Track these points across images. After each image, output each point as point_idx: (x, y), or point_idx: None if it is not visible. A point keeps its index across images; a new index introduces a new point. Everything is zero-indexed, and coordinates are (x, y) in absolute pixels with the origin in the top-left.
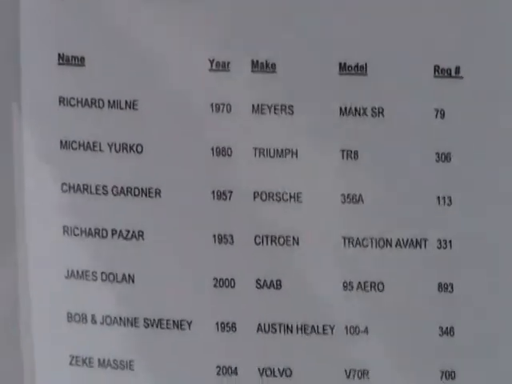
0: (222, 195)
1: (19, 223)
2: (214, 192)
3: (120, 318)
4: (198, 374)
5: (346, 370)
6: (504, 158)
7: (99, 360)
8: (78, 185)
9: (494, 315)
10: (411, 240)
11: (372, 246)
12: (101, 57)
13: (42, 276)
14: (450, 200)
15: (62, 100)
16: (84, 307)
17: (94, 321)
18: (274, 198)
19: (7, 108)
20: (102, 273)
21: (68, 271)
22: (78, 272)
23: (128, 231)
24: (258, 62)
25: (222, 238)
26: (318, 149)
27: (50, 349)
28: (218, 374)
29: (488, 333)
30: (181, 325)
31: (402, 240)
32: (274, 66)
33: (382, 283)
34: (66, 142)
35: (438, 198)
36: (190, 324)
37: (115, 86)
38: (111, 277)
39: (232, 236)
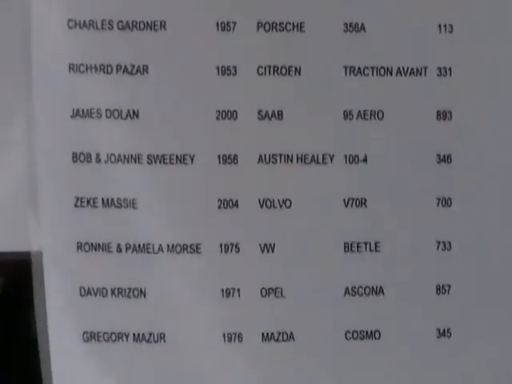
0: (226, 26)
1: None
2: (217, 24)
3: (124, 156)
4: (200, 207)
5: (344, 200)
6: None
7: (103, 200)
8: (85, 21)
9: (493, 143)
10: (411, 68)
11: (373, 74)
12: None
13: (48, 117)
14: (452, 28)
15: None
16: (89, 146)
17: (98, 159)
18: (278, 28)
19: None
20: (107, 110)
21: (73, 110)
22: (83, 111)
23: (133, 66)
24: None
25: (225, 70)
26: None
27: (54, 188)
28: (219, 207)
29: (485, 162)
30: (183, 159)
31: (403, 68)
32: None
33: (382, 112)
34: None
35: (440, 26)
36: (192, 158)
37: None
38: (116, 113)
39: (235, 67)
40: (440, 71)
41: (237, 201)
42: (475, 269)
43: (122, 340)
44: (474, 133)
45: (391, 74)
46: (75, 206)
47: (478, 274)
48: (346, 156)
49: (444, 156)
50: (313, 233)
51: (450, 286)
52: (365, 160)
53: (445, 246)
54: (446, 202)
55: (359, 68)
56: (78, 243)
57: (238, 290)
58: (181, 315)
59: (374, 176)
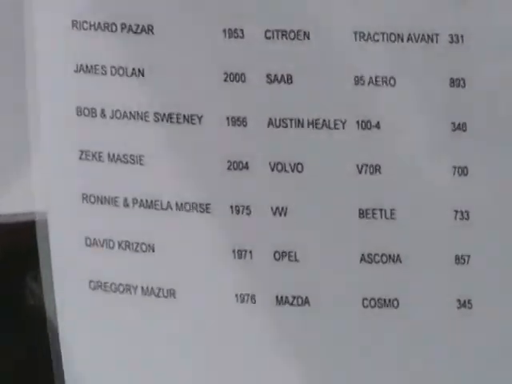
0: None
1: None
2: None
3: (130, 113)
4: (208, 168)
5: (357, 165)
6: None
7: (109, 154)
8: None
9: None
10: (423, 35)
11: (383, 40)
12: None
13: (51, 70)
14: None
15: None
16: (93, 101)
17: (103, 115)
18: None
19: None
20: (112, 67)
21: (77, 65)
22: (87, 66)
23: (138, 25)
24: None
25: (232, 33)
26: None
27: (58, 144)
28: (228, 168)
29: (500, 130)
30: (191, 119)
31: (414, 34)
32: None
33: (394, 78)
34: None
35: None
36: (200, 118)
37: None
38: (121, 71)
39: (242, 30)
40: (452, 38)
41: (247, 163)
42: (495, 239)
43: (130, 292)
44: (488, 100)
45: (402, 40)
46: (80, 158)
47: (498, 245)
48: (358, 122)
49: (459, 124)
50: (325, 198)
51: (469, 257)
52: (377, 126)
53: (462, 215)
54: (462, 170)
55: (369, 33)
56: (83, 194)
57: (251, 252)
58: (191, 273)
59: (387, 142)
